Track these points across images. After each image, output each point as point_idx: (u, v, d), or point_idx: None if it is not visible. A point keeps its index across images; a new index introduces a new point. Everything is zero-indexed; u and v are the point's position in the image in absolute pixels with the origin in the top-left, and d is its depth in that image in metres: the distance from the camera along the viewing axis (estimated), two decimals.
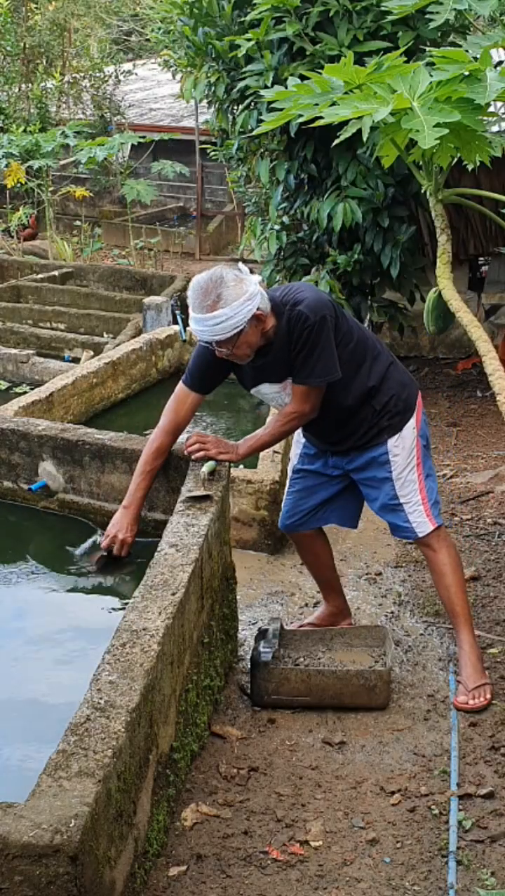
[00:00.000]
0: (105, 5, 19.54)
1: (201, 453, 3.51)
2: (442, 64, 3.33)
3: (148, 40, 17.98)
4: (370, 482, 3.56)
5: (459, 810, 3.00)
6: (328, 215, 6.15)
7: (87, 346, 8.25)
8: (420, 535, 3.55)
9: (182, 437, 3.61)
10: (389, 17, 5.20)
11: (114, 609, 3.62)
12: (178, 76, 9.81)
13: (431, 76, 3.32)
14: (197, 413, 6.26)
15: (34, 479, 4.21)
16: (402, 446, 3.49)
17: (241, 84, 6.26)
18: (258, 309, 3.14)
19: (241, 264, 3.22)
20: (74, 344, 8.39)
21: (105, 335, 8.73)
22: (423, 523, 3.54)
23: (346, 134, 3.48)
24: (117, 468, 4.03)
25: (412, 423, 3.52)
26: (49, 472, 4.18)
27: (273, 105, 3.72)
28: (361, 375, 3.42)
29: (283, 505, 3.84)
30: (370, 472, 3.54)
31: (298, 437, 3.72)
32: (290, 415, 3.41)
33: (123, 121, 15.29)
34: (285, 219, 6.87)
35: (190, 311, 3.14)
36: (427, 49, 3.98)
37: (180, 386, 3.51)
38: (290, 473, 3.80)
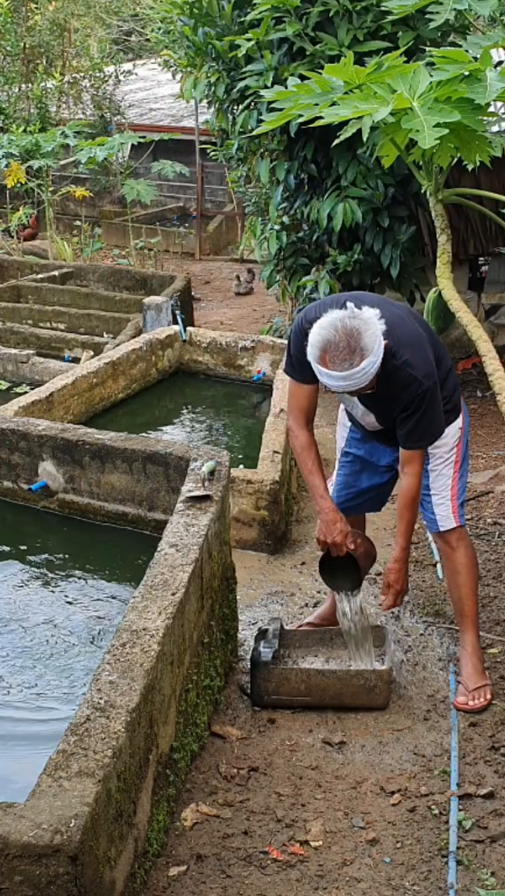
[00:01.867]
0: (105, 5, 19.52)
1: (400, 598, 3.54)
2: (442, 64, 3.33)
3: (148, 40, 17.98)
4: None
5: (459, 810, 3.00)
6: (328, 215, 6.15)
7: (87, 346, 8.25)
8: (441, 529, 3.59)
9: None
10: (389, 17, 5.20)
11: (114, 609, 3.62)
12: (178, 76, 9.81)
13: (431, 76, 3.32)
14: (197, 413, 6.31)
15: (34, 479, 4.21)
16: (444, 442, 3.51)
17: (241, 84, 6.26)
18: (385, 341, 3.07)
19: (349, 303, 3.09)
20: (74, 344, 8.39)
21: (105, 335, 8.73)
22: (447, 518, 3.57)
23: (346, 134, 3.48)
24: (117, 468, 4.03)
25: (459, 422, 3.55)
26: (49, 472, 4.18)
27: (273, 105, 3.72)
28: None
29: (333, 487, 3.79)
30: None
31: (344, 420, 3.72)
32: (413, 491, 3.37)
33: (123, 121, 15.27)
34: (285, 219, 6.87)
35: (325, 369, 3.01)
36: (427, 49, 3.99)
37: (293, 384, 3.43)
38: (337, 454, 3.81)
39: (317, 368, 3.04)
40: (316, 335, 3.03)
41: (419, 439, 3.31)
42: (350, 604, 3.52)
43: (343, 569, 3.49)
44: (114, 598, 3.72)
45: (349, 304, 3.07)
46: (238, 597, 3.86)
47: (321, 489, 3.44)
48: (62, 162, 13.06)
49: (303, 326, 3.19)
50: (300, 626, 3.94)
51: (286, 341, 3.54)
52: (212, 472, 3.55)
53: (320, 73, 3.56)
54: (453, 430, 3.54)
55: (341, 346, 2.98)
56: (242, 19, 6.34)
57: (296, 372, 3.37)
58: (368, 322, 3.02)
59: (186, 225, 14.59)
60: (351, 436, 3.72)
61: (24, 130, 12.41)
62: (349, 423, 3.69)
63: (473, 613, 3.62)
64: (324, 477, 3.48)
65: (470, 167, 4.05)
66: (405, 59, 3.60)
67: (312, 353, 3.04)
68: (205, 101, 7.55)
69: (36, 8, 15.73)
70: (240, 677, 3.68)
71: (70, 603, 3.67)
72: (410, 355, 3.17)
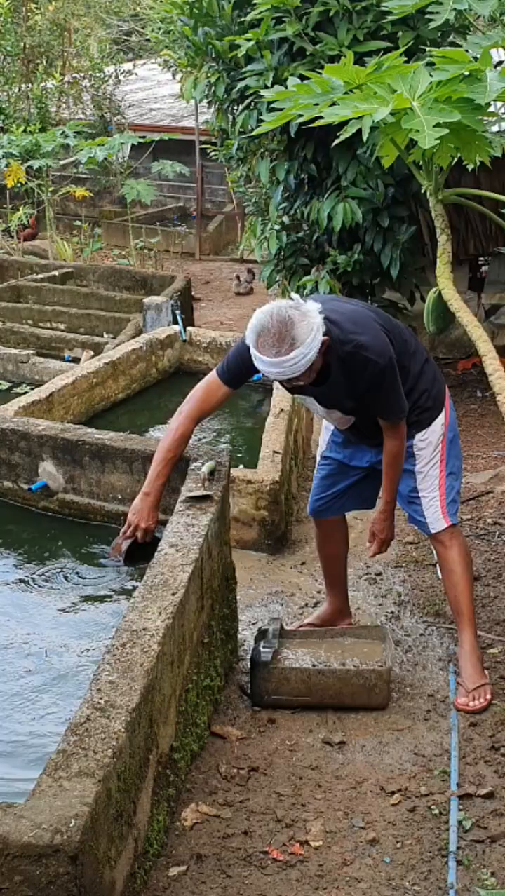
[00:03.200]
0: (105, 5, 19.52)
1: (384, 546, 3.62)
2: (442, 64, 3.33)
3: (148, 40, 17.97)
4: None
5: (459, 810, 3.00)
6: (328, 215, 6.15)
7: (87, 346, 8.25)
8: (433, 530, 3.60)
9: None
10: (389, 17, 5.20)
11: (114, 609, 3.62)
12: (178, 76, 9.82)
13: (431, 76, 3.32)
14: None
15: (34, 479, 4.21)
16: (428, 441, 3.53)
17: (241, 84, 6.26)
18: (324, 335, 3.09)
19: (293, 294, 3.16)
20: (74, 344, 8.39)
21: (105, 335, 8.73)
22: (437, 519, 3.58)
23: (346, 134, 3.48)
24: (117, 468, 4.03)
25: (441, 419, 3.56)
26: (49, 472, 4.18)
27: (273, 105, 3.72)
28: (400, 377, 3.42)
29: (311, 490, 3.89)
30: None
31: (327, 424, 3.75)
32: (397, 450, 3.41)
33: (123, 121, 15.28)
34: (285, 219, 6.87)
35: (258, 353, 3.05)
36: (427, 49, 3.99)
37: (214, 377, 3.44)
38: (318, 459, 3.85)
39: (253, 353, 3.07)
40: (254, 320, 3.08)
41: (393, 413, 3.33)
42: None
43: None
44: (113, 598, 3.71)
45: (294, 296, 3.12)
46: (238, 597, 3.86)
47: (160, 473, 3.47)
48: (62, 162, 13.05)
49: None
50: (300, 626, 3.94)
51: None
52: (212, 472, 3.55)
53: (320, 73, 3.56)
54: (436, 428, 3.54)
55: (273, 333, 3.01)
56: (242, 19, 6.34)
57: (228, 370, 3.40)
58: (306, 314, 3.05)
59: (185, 226, 14.59)
60: (333, 440, 3.74)
61: (24, 130, 12.42)
62: (332, 427, 3.71)
63: (469, 611, 3.62)
64: (168, 476, 3.51)
65: (470, 167, 4.05)
66: (405, 59, 3.60)
67: (249, 336, 3.08)
68: (205, 101, 7.55)
69: (36, 8, 15.73)
70: (240, 677, 3.68)
71: (70, 603, 3.67)
72: (361, 337, 3.19)
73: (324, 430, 3.80)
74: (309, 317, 3.04)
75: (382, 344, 3.23)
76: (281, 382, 3.26)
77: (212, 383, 3.45)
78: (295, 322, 3.02)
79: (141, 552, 3.56)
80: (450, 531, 3.60)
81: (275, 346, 3.01)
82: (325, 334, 3.08)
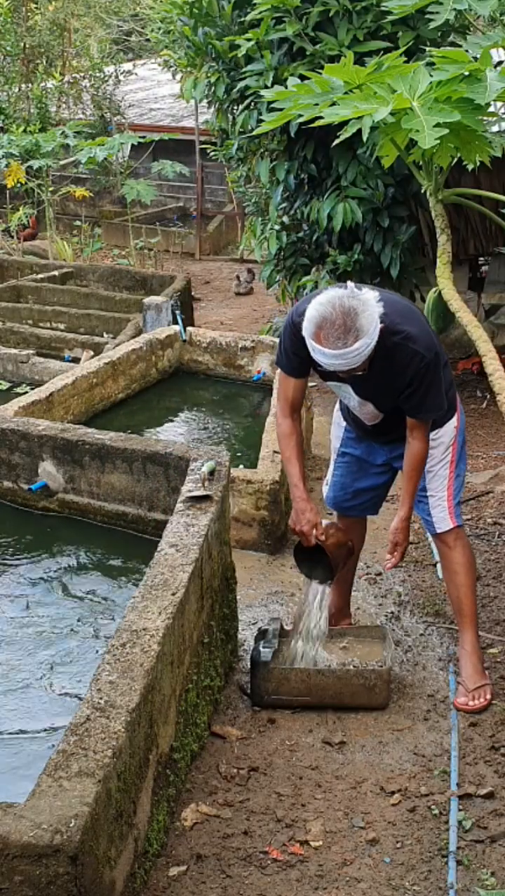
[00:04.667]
0: (105, 5, 19.51)
1: (401, 557, 3.55)
2: (442, 64, 3.33)
3: (148, 40, 17.97)
4: None
5: (459, 810, 3.00)
6: (328, 215, 6.15)
7: (87, 346, 8.25)
8: (438, 530, 3.60)
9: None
10: (389, 17, 5.20)
11: (114, 609, 3.62)
12: (178, 76, 9.82)
13: (431, 76, 3.32)
14: (197, 413, 6.31)
15: (34, 479, 4.21)
16: (441, 441, 3.52)
17: (241, 84, 6.26)
18: (381, 324, 3.07)
19: (350, 283, 3.09)
20: (74, 344, 8.39)
21: (105, 335, 8.73)
22: (443, 519, 3.58)
23: (346, 134, 3.48)
24: (117, 468, 4.03)
25: (454, 421, 3.55)
26: (49, 472, 4.18)
27: (273, 105, 3.72)
28: None
29: (328, 486, 3.84)
30: None
31: (339, 420, 3.73)
32: (422, 453, 3.38)
33: (123, 121, 15.27)
34: (285, 219, 6.87)
35: (318, 345, 3.00)
36: (427, 49, 3.99)
37: (281, 374, 3.45)
38: (333, 454, 3.81)
39: (311, 345, 3.03)
40: (313, 311, 3.02)
41: (426, 411, 3.30)
42: (317, 593, 3.53)
43: (316, 559, 3.50)
44: (113, 598, 3.72)
45: (350, 284, 3.06)
46: (238, 597, 3.86)
47: (297, 477, 3.44)
48: (62, 162, 13.04)
49: (294, 320, 3.21)
50: None
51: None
52: (212, 472, 3.55)
53: (320, 73, 3.56)
54: (449, 429, 3.54)
55: (337, 324, 2.97)
56: (242, 19, 6.34)
57: (286, 364, 3.39)
58: (367, 303, 3.01)
59: (184, 226, 14.58)
60: (346, 436, 3.72)
61: (24, 130, 12.41)
62: (344, 423, 3.69)
63: (471, 613, 3.63)
64: (302, 466, 3.49)
65: (470, 167, 4.05)
66: (405, 59, 3.60)
67: (307, 328, 3.03)
68: (205, 101, 7.55)
69: (36, 8, 15.73)
70: (240, 677, 3.68)
71: (70, 603, 3.67)
72: (410, 328, 3.17)
73: (335, 427, 3.77)
74: (370, 306, 3.01)
75: (429, 338, 3.22)
76: (327, 372, 3.22)
77: (283, 380, 3.46)
78: (359, 312, 2.99)
79: (317, 556, 3.47)
80: (455, 532, 3.60)
81: (340, 339, 2.98)
82: None
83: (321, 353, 3.02)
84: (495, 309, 7.83)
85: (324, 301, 3.02)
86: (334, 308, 2.98)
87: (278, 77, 5.84)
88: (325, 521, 3.48)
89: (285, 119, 3.67)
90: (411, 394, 3.24)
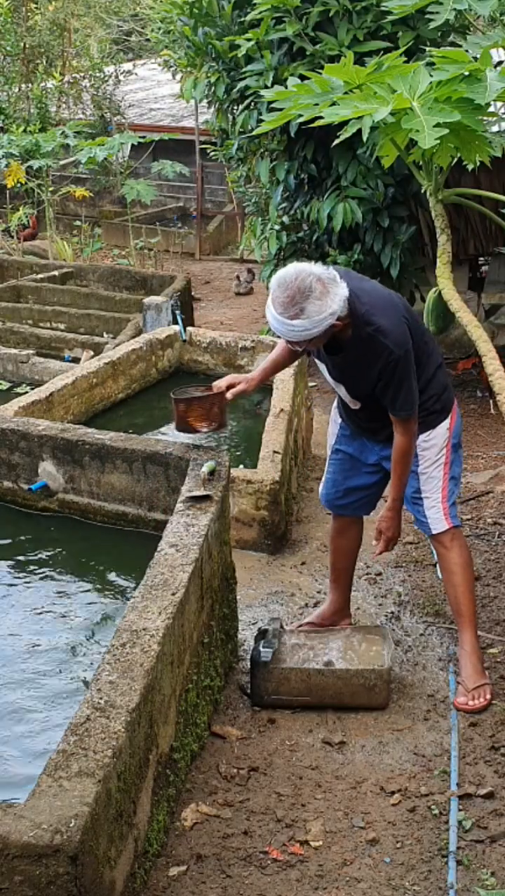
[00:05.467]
0: (105, 5, 19.51)
1: (391, 544, 3.59)
2: (442, 64, 3.34)
3: (148, 40, 17.97)
4: None
5: (459, 810, 3.00)
6: (328, 215, 6.15)
7: (87, 346, 8.24)
8: (434, 531, 3.61)
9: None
10: (389, 17, 5.21)
11: (114, 609, 3.62)
12: (179, 76, 9.82)
13: (431, 76, 3.33)
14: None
15: (34, 479, 4.21)
16: (432, 443, 3.53)
17: (241, 84, 6.26)
18: (337, 320, 3.10)
19: (331, 268, 3.13)
20: (74, 344, 8.38)
21: (105, 335, 8.72)
22: (439, 521, 3.58)
23: (346, 134, 3.49)
24: (117, 468, 4.03)
25: (446, 423, 3.56)
26: (49, 472, 4.18)
27: (273, 105, 3.72)
28: None
29: (322, 483, 3.88)
30: None
31: (335, 417, 3.75)
32: (405, 447, 3.39)
33: (123, 121, 15.26)
34: (285, 219, 6.87)
35: (270, 303, 3.10)
36: (427, 49, 3.99)
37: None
38: (328, 452, 3.84)
39: (268, 302, 3.12)
40: (283, 272, 3.10)
41: (400, 408, 3.32)
42: None
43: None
44: (113, 598, 3.72)
45: (332, 269, 3.12)
46: (238, 597, 3.86)
47: (261, 369, 3.60)
48: (62, 162, 13.04)
49: None
50: (300, 625, 3.94)
51: None
52: (212, 472, 3.55)
53: (320, 73, 3.56)
54: (441, 432, 3.54)
55: (288, 295, 3.04)
56: (242, 19, 6.35)
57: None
58: (328, 294, 3.05)
59: (184, 226, 14.58)
60: (341, 432, 3.74)
61: (24, 130, 12.41)
62: (340, 420, 3.71)
63: (470, 613, 3.63)
64: (268, 367, 3.61)
65: (470, 167, 4.05)
66: (405, 59, 3.61)
67: (271, 285, 3.12)
68: (205, 101, 7.56)
69: (36, 8, 15.73)
70: (240, 677, 3.68)
71: (70, 603, 3.67)
72: (383, 322, 3.20)
73: (332, 423, 3.79)
74: (329, 297, 3.05)
75: (402, 334, 3.23)
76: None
77: (281, 342, 3.53)
78: (312, 296, 3.03)
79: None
80: (451, 533, 3.60)
81: (283, 306, 3.05)
82: (349, 311, 3.11)
83: (269, 313, 3.12)
84: (495, 309, 7.83)
85: (297, 267, 3.10)
86: (296, 279, 3.05)
87: (278, 77, 5.84)
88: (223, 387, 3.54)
89: (285, 119, 3.67)
90: (384, 388, 3.28)
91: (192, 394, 3.66)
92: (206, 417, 3.61)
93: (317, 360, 3.51)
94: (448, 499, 3.59)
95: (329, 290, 3.05)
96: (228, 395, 3.53)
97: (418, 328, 3.43)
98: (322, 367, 3.49)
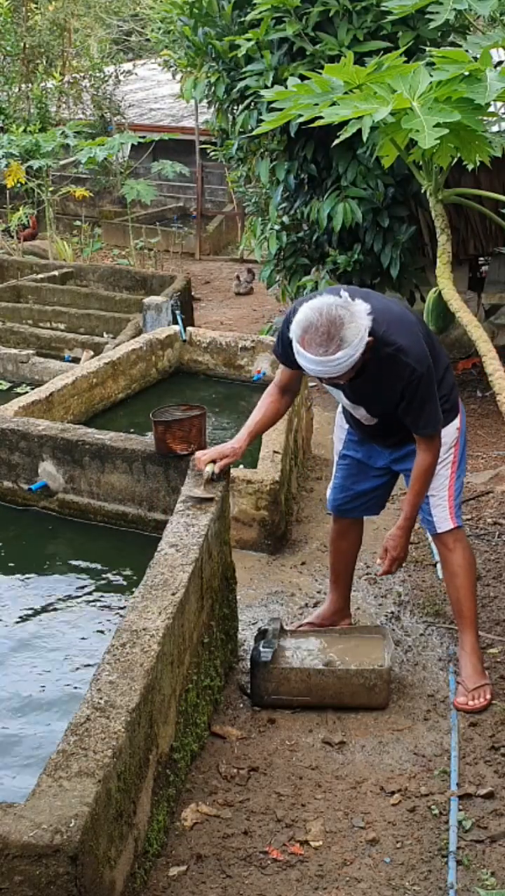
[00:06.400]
0: (105, 5, 19.51)
1: (396, 565, 3.54)
2: (442, 64, 3.33)
3: (148, 40, 17.97)
4: (409, 472, 3.57)
5: (459, 810, 3.00)
6: (328, 215, 6.15)
7: (87, 346, 8.24)
8: (439, 530, 3.60)
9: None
10: (389, 17, 5.20)
11: (114, 609, 3.62)
12: (179, 76, 9.82)
13: (431, 76, 3.32)
14: None
15: (34, 479, 4.21)
16: (442, 441, 3.50)
17: (241, 84, 6.26)
18: (369, 337, 3.06)
19: (342, 291, 3.10)
20: (74, 344, 8.38)
21: (105, 335, 8.72)
22: (444, 520, 3.58)
23: (346, 134, 3.48)
24: (117, 468, 4.04)
25: (456, 422, 3.55)
26: (49, 472, 4.18)
27: (273, 105, 3.72)
28: None
29: (330, 488, 3.85)
30: (409, 464, 3.54)
31: (341, 423, 3.73)
32: (428, 465, 3.37)
33: (123, 121, 15.26)
34: (285, 219, 6.87)
35: (302, 350, 3.01)
36: (427, 49, 3.99)
37: (281, 364, 3.49)
38: (335, 457, 3.82)
39: (296, 348, 3.05)
40: (301, 314, 3.03)
41: (426, 426, 3.30)
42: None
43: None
44: (113, 598, 3.71)
45: (343, 293, 3.07)
46: (238, 597, 3.86)
47: (247, 427, 3.54)
48: (62, 162, 13.04)
49: (291, 317, 3.20)
50: (300, 626, 3.94)
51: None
52: (213, 473, 3.54)
53: (320, 73, 3.56)
54: (451, 431, 3.54)
55: (321, 332, 2.98)
56: (242, 19, 6.34)
57: (281, 355, 3.40)
58: (355, 315, 3.02)
59: (184, 226, 14.58)
60: (348, 438, 3.72)
61: (24, 130, 12.41)
62: (346, 426, 3.69)
63: (471, 614, 3.63)
64: (261, 426, 3.59)
65: (470, 167, 4.05)
66: (405, 59, 3.60)
67: (294, 331, 3.04)
68: (205, 101, 7.55)
69: (36, 8, 15.73)
70: (240, 677, 3.68)
71: (69, 603, 3.67)
72: (403, 341, 3.17)
73: (338, 429, 3.77)
74: (358, 318, 3.01)
75: (422, 351, 3.21)
76: (324, 381, 3.23)
77: (282, 369, 3.50)
78: (345, 323, 2.98)
79: None
80: (455, 533, 3.59)
81: (322, 346, 2.98)
82: (369, 334, 3.05)
83: (304, 358, 3.03)
84: (495, 309, 7.83)
85: (314, 306, 3.02)
86: (321, 315, 2.99)
87: (278, 77, 5.84)
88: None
89: (285, 119, 3.67)
90: (407, 408, 3.24)
91: (172, 414, 3.68)
92: (186, 440, 3.65)
93: (328, 388, 3.44)
94: (455, 498, 3.58)
95: (352, 310, 3.02)
96: (217, 468, 3.48)
97: (430, 336, 3.41)
98: (336, 393, 3.44)
